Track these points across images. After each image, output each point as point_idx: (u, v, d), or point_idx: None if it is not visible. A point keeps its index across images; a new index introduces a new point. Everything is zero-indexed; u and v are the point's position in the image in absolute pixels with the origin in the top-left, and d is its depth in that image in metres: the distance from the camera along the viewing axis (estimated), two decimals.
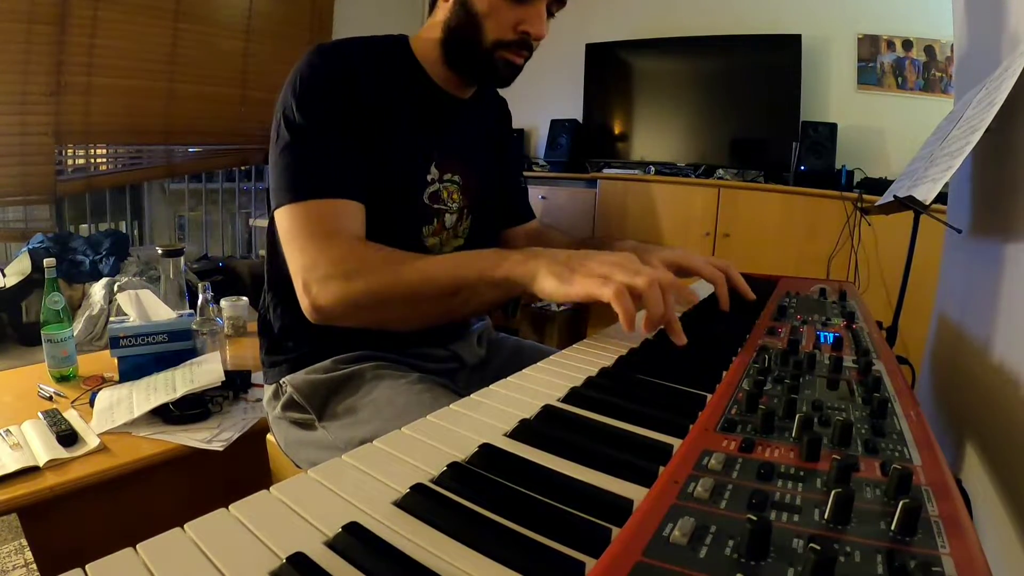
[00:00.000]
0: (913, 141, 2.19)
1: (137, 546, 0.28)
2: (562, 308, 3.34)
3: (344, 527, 0.31)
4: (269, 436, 0.97)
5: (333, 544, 0.30)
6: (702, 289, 1.02)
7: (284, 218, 0.79)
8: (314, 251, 0.77)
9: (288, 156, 0.80)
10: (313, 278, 0.76)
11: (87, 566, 0.27)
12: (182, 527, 0.31)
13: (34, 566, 0.85)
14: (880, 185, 2.58)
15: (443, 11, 0.88)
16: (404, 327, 0.85)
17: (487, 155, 1.05)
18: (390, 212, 0.88)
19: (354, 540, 0.30)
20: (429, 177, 0.92)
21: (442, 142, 0.93)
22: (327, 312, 0.77)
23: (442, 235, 0.95)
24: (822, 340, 0.72)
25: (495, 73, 0.89)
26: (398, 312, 0.78)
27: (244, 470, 1.18)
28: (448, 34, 0.88)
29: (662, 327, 0.69)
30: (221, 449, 1.20)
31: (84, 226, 3.37)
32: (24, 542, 0.89)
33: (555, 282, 0.66)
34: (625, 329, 0.63)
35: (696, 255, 0.90)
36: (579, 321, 3.44)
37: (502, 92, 1.07)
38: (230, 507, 0.33)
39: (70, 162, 3.11)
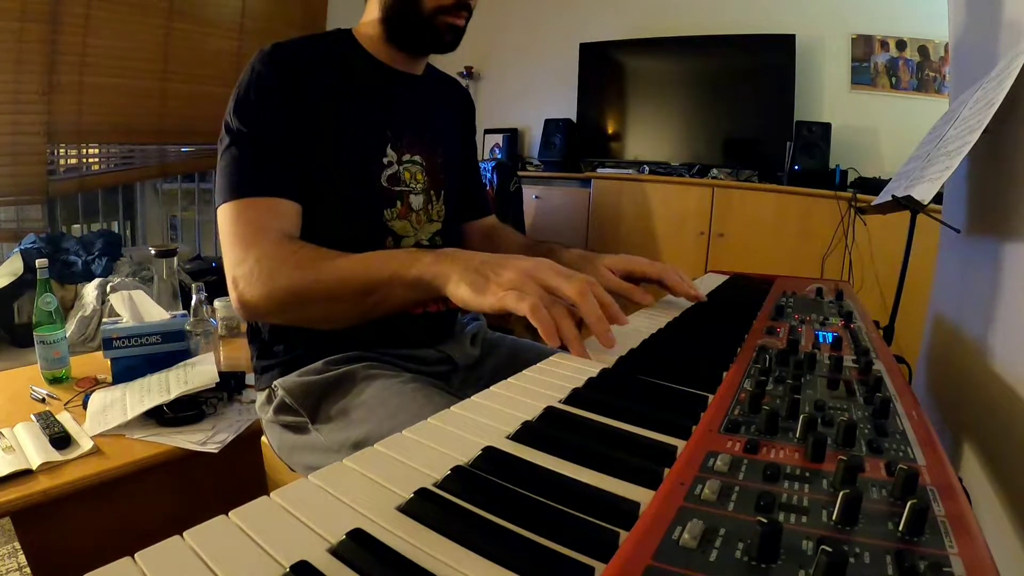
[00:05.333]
0: (907, 141, 2.20)
1: (135, 555, 0.28)
2: None
3: (348, 534, 0.30)
4: (264, 439, 0.96)
5: (337, 551, 0.30)
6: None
7: (220, 217, 0.82)
8: (241, 248, 0.79)
9: (226, 158, 0.83)
10: (240, 274, 0.78)
11: None
12: (181, 535, 0.30)
13: (27, 570, 0.84)
14: (874, 185, 2.59)
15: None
16: (328, 325, 0.85)
17: (450, 137, 1.05)
18: (349, 198, 0.90)
19: (359, 547, 0.30)
20: (386, 159, 0.92)
21: (397, 122, 0.94)
22: (252, 308, 0.79)
23: (410, 218, 0.95)
24: (821, 340, 0.72)
25: (439, 38, 0.91)
26: (319, 310, 0.79)
27: (239, 472, 1.17)
28: (387, 11, 0.91)
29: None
30: (216, 451, 1.19)
31: (76, 226, 3.35)
32: (17, 546, 0.88)
33: (468, 290, 0.66)
34: (549, 343, 0.62)
35: (639, 258, 0.93)
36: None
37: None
38: (230, 514, 0.32)
39: (62, 162, 3.09)
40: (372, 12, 0.93)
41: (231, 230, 0.80)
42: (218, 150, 0.85)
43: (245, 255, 0.78)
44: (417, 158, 0.96)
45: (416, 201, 0.95)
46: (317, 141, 0.85)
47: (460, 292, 0.67)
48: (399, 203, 0.93)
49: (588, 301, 0.65)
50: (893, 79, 2.97)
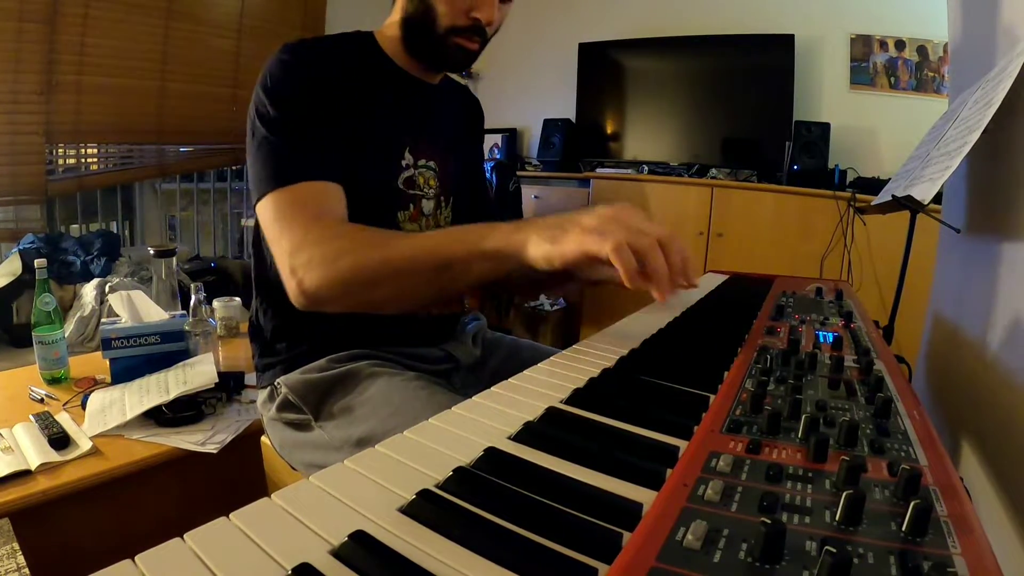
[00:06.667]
0: (906, 141, 2.20)
1: (136, 557, 0.28)
2: (554, 307, 3.34)
3: (350, 536, 0.30)
4: (263, 438, 0.96)
5: (339, 553, 0.30)
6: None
7: (266, 208, 0.79)
8: (298, 235, 0.76)
9: (265, 148, 0.80)
10: (298, 262, 0.75)
11: None
12: (182, 537, 0.30)
13: (26, 571, 0.83)
14: (873, 184, 2.59)
15: (401, 3, 0.91)
16: (395, 308, 0.83)
17: (461, 144, 1.06)
18: (365, 198, 0.88)
19: (361, 549, 0.29)
20: (404, 162, 0.92)
21: (415, 127, 0.95)
22: (314, 295, 0.75)
23: (420, 222, 0.95)
24: (821, 340, 0.72)
25: (449, 58, 0.91)
26: (388, 291, 0.75)
27: (238, 472, 1.17)
28: (406, 23, 0.90)
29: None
30: (215, 451, 1.19)
31: (75, 226, 3.33)
32: (16, 546, 0.88)
33: (547, 245, 0.63)
34: (628, 284, 0.59)
35: None
36: (572, 321, 3.44)
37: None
38: (231, 516, 0.32)
39: (61, 162, 3.08)
40: (395, 23, 0.92)
41: (281, 218, 0.77)
42: (249, 143, 0.83)
43: (303, 241, 0.75)
44: (432, 163, 0.96)
45: (427, 206, 0.96)
46: (337, 140, 0.84)
47: (540, 250, 0.64)
48: (412, 206, 0.94)
49: (671, 247, 0.63)
50: (892, 79, 2.97)
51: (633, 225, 0.62)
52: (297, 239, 0.75)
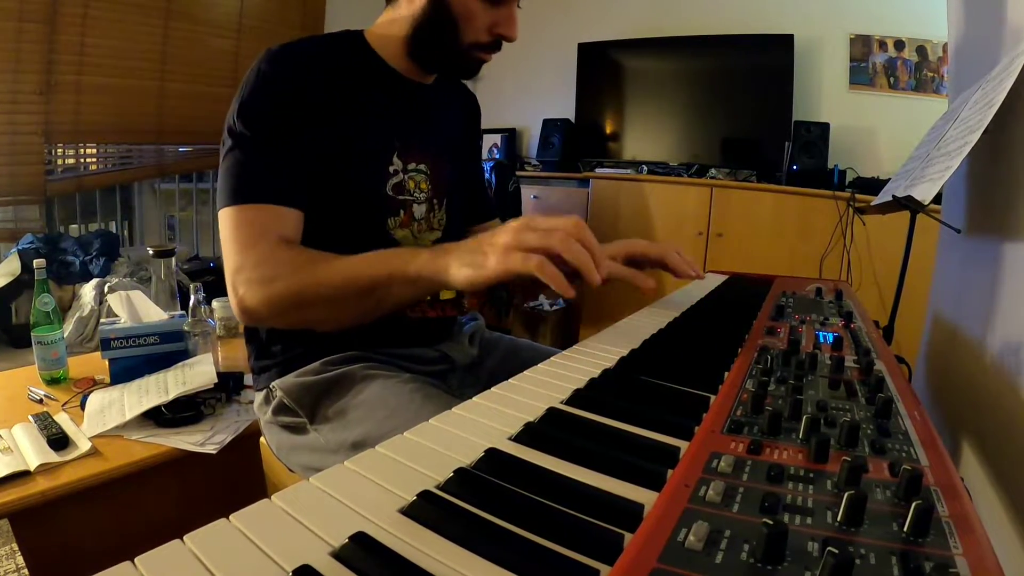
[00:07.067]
0: (905, 141, 2.20)
1: (136, 559, 0.28)
2: (554, 307, 3.34)
3: (351, 537, 0.30)
4: (262, 439, 0.96)
5: (340, 555, 0.29)
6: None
7: (223, 220, 0.82)
8: (241, 255, 0.79)
9: (229, 161, 0.82)
10: (239, 280, 0.78)
11: None
12: (182, 539, 0.30)
13: (26, 571, 0.83)
14: (872, 184, 2.59)
15: (408, 6, 0.89)
16: (329, 327, 0.86)
17: (455, 144, 1.05)
18: (354, 206, 0.89)
19: (361, 550, 0.29)
20: (392, 168, 0.92)
21: (404, 130, 0.94)
22: (252, 313, 0.79)
23: (412, 227, 0.95)
24: (821, 340, 0.72)
25: (465, 68, 0.92)
26: (319, 312, 0.79)
27: (238, 472, 1.17)
28: (418, 30, 0.89)
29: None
30: (214, 452, 1.18)
31: (74, 226, 3.33)
32: (15, 547, 0.88)
33: (469, 271, 0.66)
34: (566, 294, 0.63)
35: (639, 241, 0.94)
36: (571, 321, 3.44)
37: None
38: (231, 517, 0.32)
39: (60, 162, 3.08)
40: (394, 24, 0.91)
41: (231, 235, 0.80)
42: (220, 151, 0.84)
43: (244, 261, 0.78)
44: (422, 167, 0.95)
45: (419, 210, 0.95)
46: (322, 147, 0.84)
47: (462, 275, 0.67)
48: (402, 212, 0.93)
49: (583, 235, 0.65)
50: (891, 79, 2.97)
51: (542, 227, 0.65)
52: (241, 259, 0.79)
